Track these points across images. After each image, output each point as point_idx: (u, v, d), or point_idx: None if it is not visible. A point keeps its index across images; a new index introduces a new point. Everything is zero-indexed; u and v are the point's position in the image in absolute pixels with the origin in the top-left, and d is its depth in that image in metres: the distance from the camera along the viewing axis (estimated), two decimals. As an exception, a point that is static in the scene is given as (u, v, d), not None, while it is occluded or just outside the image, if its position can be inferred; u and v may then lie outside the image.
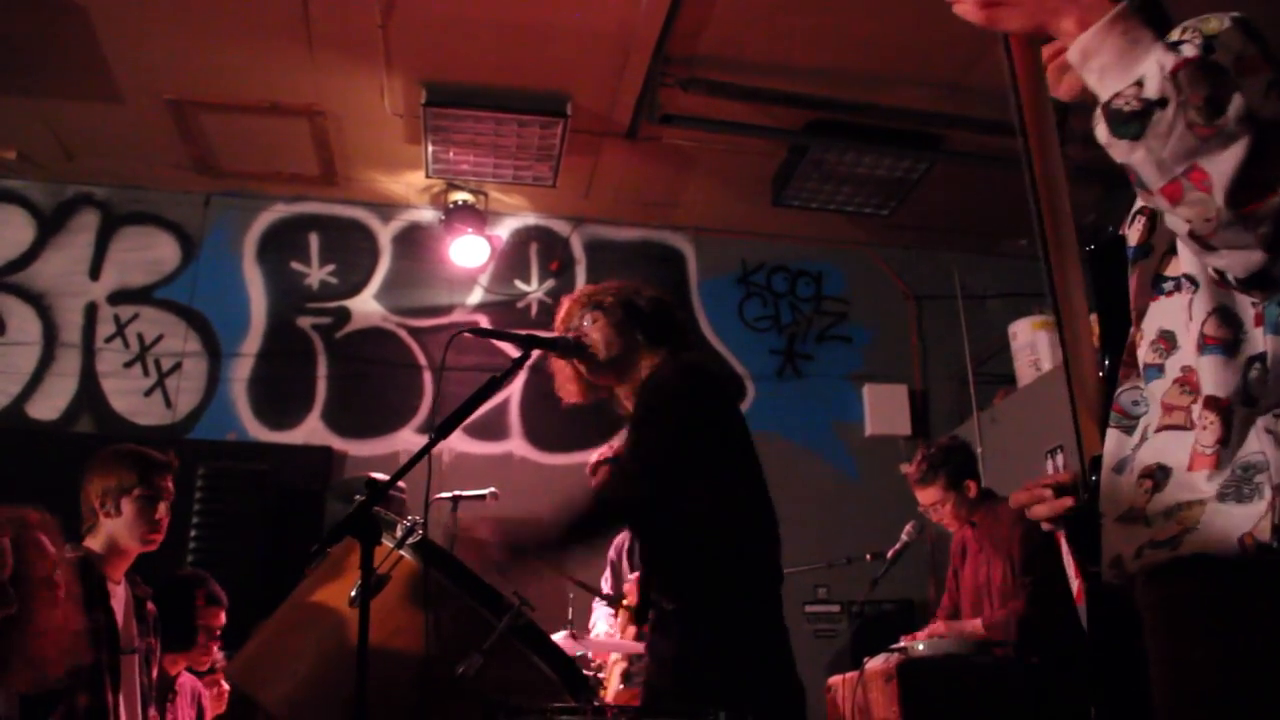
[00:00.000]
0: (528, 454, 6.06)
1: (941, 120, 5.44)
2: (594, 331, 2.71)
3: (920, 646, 3.77)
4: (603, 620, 4.62)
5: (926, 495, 4.15)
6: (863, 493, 6.21)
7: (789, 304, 6.75)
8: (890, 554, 4.39)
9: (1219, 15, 1.23)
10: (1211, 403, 1.27)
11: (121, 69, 5.07)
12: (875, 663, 3.81)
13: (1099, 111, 1.19)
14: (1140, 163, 1.16)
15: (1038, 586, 3.73)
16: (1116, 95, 1.16)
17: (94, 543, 3.05)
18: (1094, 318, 1.50)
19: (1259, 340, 1.26)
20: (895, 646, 3.88)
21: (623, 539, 4.71)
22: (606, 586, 4.66)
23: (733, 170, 6.03)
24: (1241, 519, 1.19)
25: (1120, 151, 1.17)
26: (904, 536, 4.38)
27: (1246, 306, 1.29)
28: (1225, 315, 1.29)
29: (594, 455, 4.92)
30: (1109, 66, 1.18)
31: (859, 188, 6.08)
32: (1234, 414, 1.25)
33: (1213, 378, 1.27)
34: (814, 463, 6.31)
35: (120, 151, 5.80)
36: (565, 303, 2.85)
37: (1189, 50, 1.14)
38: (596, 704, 2.25)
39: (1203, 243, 1.18)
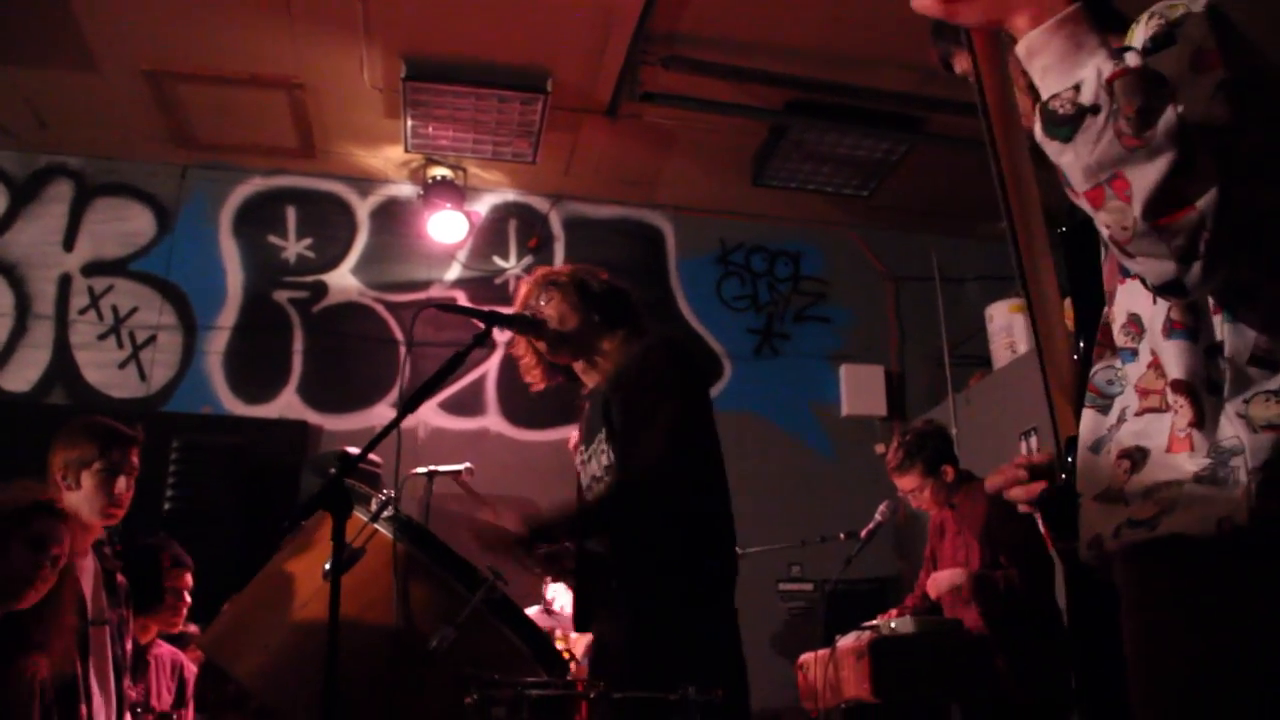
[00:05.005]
0: (503, 430, 6.06)
1: (922, 102, 5.44)
2: (549, 309, 2.73)
3: (893, 625, 3.80)
4: (563, 593, 4.55)
5: (905, 482, 4.16)
6: (838, 472, 6.25)
7: (767, 283, 6.76)
8: (864, 533, 4.42)
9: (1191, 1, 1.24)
10: (1180, 386, 1.27)
11: (97, 38, 5.01)
12: (847, 640, 3.84)
13: (1036, 109, 1.21)
14: (1068, 165, 1.18)
15: (1019, 568, 3.76)
16: (1054, 97, 1.18)
17: None
18: (1068, 301, 1.50)
19: (1217, 328, 1.27)
20: (867, 624, 3.92)
21: None
22: None
23: (713, 149, 6.02)
24: (1220, 502, 1.20)
25: (1051, 151, 1.20)
26: (878, 516, 4.40)
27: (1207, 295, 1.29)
28: (1191, 301, 1.29)
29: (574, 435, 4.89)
30: (1051, 67, 1.20)
31: (839, 168, 6.09)
32: (1202, 398, 1.25)
33: (1178, 362, 1.28)
34: (790, 442, 6.34)
35: (95, 121, 5.73)
36: (523, 285, 2.87)
37: (1131, 59, 1.16)
38: (569, 678, 2.26)
39: (1121, 248, 1.20)
